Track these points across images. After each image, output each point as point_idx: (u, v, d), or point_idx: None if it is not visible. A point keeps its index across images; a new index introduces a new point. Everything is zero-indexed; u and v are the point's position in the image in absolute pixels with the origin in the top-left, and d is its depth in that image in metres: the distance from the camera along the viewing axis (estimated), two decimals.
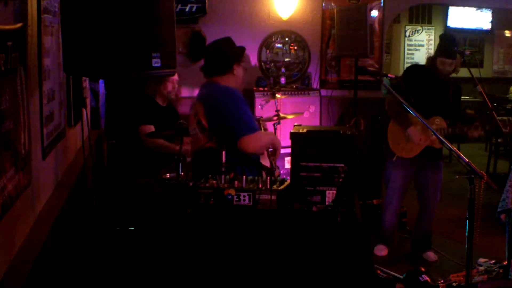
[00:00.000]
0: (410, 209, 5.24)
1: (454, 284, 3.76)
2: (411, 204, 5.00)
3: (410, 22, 11.29)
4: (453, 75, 4.47)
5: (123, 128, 4.03)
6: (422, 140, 4.26)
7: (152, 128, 3.91)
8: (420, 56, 11.35)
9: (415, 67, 4.90)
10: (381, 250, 4.66)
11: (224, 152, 2.93)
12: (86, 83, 3.70)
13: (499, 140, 7.53)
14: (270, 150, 3.43)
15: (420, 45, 11.37)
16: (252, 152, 3.22)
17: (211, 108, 3.22)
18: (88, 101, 3.86)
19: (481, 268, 3.91)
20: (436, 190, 4.51)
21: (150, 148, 3.91)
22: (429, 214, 4.56)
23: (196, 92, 6.22)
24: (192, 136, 3.31)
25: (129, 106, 4.08)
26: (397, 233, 5.01)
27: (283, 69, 5.98)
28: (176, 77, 4.19)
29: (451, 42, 4.34)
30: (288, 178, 2.81)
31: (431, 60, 4.41)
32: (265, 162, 3.52)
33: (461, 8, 10.83)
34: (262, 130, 4.52)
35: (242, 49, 3.45)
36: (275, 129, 5.00)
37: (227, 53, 3.34)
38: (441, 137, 2.84)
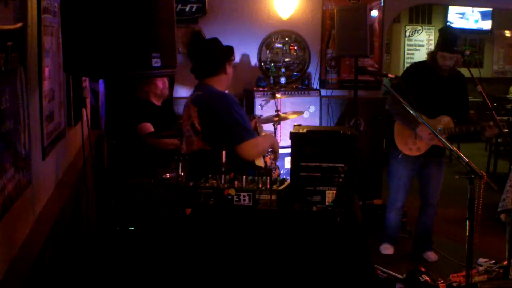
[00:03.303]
0: (410, 209, 5.23)
1: (454, 284, 3.76)
2: (411, 204, 5.00)
3: (410, 22, 11.30)
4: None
5: (121, 128, 4.03)
6: (431, 136, 4.21)
7: (149, 126, 3.91)
8: (420, 56, 11.33)
9: (415, 65, 4.82)
10: (387, 249, 4.67)
11: (224, 153, 2.93)
12: (86, 83, 3.70)
13: (499, 140, 7.53)
14: (269, 151, 3.44)
15: (420, 45, 11.38)
16: (251, 158, 3.23)
17: (207, 113, 3.21)
18: (88, 101, 3.85)
19: (481, 268, 3.92)
20: (438, 186, 4.53)
21: (152, 145, 3.89)
22: (431, 209, 4.56)
23: None
24: (186, 138, 3.31)
25: (126, 108, 4.08)
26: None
27: (283, 69, 5.98)
28: None
29: (451, 36, 4.29)
30: (288, 178, 2.81)
31: (431, 55, 4.35)
32: (259, 161, 3.52)
33: (461, 8, 10.84)
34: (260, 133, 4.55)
35: (231, 48, 3.46)
36: (275, 129, 5.00)
37: (218, 54, 3.35)
38: (441, 137, 2.84)
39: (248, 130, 3.20)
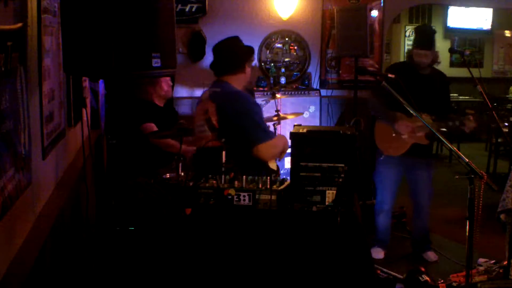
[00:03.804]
0: (409, 209, 5.23)
1: (454, 284, 3.76)
2: (410, 204, 4.99)
3: (410, 22, 11.30)
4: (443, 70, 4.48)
5: (122, 128, 4.02)
6: (409, 128, 4.21)
7: (153, 126, 3.90)
8: None
9: (395, 65, 4.95)
10: (377, 253, 4.62)
11: (224, 152, 2.93)
12: (86, 83, 3.70)
13: (499, 140, 7.53)
14: None
15: None
16: (267, 159, 3.24)
17: (226, 110, 3.23)
18: (88, 101, 3.85)
19: (481, 268, 3.91)
20: (428, 187, 4.50)
21: (156, 145, 3.89)
22: (423, 210, 4.54)
23: (196, 92, 6.26)
24: (198, 133, 3.32)
25: (128, 108, 4.07)
26: (396, 233, 5.01)
27: (283, 69, 5.98)
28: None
29: (426, 34, 4.36)
30: (288, 178, 2.81)
31: (408, 54, 4.42)
32: (272, 164, 3.52)
33: (461, 8, 10.84)
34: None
35: (252, 48, 3.49)
36: (275, 129, 5.01)
37: (239, 52, 3.39)
38: (441, 137, 2.83)
39: (266, 131, 3.23)
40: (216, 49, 3.44)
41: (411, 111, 2.94)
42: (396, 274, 3.98)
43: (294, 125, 2.95)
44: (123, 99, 4.23)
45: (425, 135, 4.24)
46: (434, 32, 4.42)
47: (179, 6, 5.73)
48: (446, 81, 4.48)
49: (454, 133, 4.47)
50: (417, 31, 4.48)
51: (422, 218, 4.56)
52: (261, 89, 5.76)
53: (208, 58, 6.04)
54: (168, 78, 4.21)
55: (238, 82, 3.36)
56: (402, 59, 11.22)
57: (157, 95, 4.14)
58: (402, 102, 2.90)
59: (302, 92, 5.84)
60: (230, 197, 2.65)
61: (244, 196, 2.66)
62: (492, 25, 11.32)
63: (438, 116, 4.24)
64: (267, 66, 6.05)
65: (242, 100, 3.29)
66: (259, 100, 5.51)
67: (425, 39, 4.29)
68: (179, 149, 2.91)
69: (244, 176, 2.76)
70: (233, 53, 3.35)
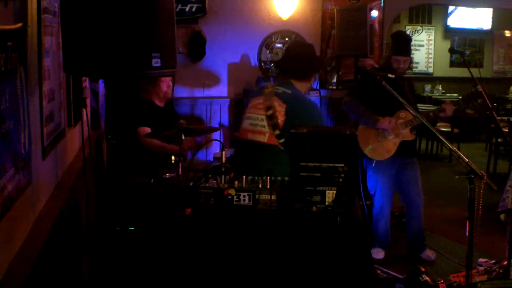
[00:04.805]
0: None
1: (454, 284, 3.76)
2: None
3: (410, 22, 11.30)
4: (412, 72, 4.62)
5: (122, 128, 4.03)
6: (392, 123, 4.26)
7: (148, 130, 3.91)
8: (421, 56, 11.35)
9: (375, 69, 5.06)
10: (378, 253, 4.61)
11: (224, 152, 2.93)
12: (86, 83, 3.70)
13: (499, 140, 7.53)
14: None
15: (420, 45, 11.38)
16: None
17: (297, 115, 3.24)
18: (88, 101, 3.85)
19: (481, 268, 3.91)
20: (419, 186, 4.51)
21: (148, 149, 3.91)
22: (417, 210, 4.53)
23: (196, 92, 6.26)
24: (248, 126, 3.33)
25: (127, 108, 4.08)
26: (396, 233, 5.00)
27: None
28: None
29: (403, 40, 4.48)
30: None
31: (385, 59, 4.52)
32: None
33: (461, 8, 10.84)
34: None
35: (322, 60, 3.51)
36: None
37: (312, 61, 3.43)
38: (441, 137, 2.83)
39: None
40: (291, 50, 3.48)
41: (411, 111, 2.94)
42: (396, 274, 3.98)
43: (294, 125, 2.95)
44: (123, 99, 4.23)
45: (409, 129, 4.29)
46: (410, 38, 4.63)
47: (179, 6, 5.73)
48: (411, 82, 4.72)
49: (435, 123, 4.64)
50: (394, 38, 4.56)
51: (417, 219, 4.55)
52: None
53: (208, 58, 6.05)
54: (168, 79, 4.21)
55: (302, 88, 3.42)
56: None
57: (157, 95, 4.15)
58: (403, 102, 2.90)
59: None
60: (230, 197, 2.65)
61: (244, 196, 2.66)
62: (492, 25, 11.33)
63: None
64: (267, 66, 6.05)
65: (316, 111, 3.39)
66: None
67: (403, 45, 4.41)
68: (179, 149, 2.91)
69: (244, 176, 2.76)
70: (306, 61, 3.40)
